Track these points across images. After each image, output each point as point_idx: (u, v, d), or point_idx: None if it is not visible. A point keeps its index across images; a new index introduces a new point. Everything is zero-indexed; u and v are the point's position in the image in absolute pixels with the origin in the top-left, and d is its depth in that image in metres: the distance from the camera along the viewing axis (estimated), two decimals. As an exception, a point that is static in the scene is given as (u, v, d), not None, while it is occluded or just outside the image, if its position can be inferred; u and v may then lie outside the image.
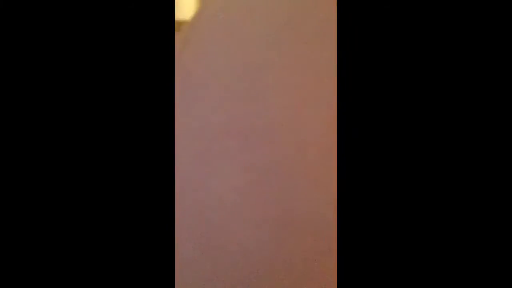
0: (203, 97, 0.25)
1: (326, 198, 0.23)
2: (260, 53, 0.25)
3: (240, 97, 0.24)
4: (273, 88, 0.24)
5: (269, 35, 0.25)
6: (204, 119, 0.25)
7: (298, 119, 0.23)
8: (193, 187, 0.24)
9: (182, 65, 0.27)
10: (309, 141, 0.23)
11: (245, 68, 0.25)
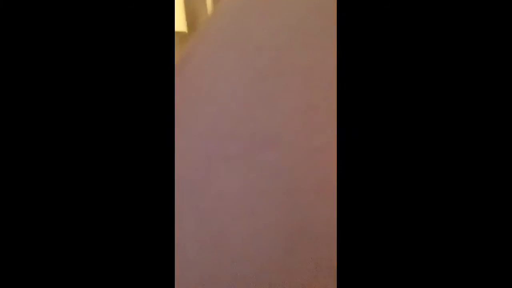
0: (209, 101, 0.25)
1: (330, 203, 0.23)
2: (266, 58, 0.25)
3: (247, 102, 0.24)
4: (280, 93, 0.24)
5: (277, 40, 0.25)
6: (209, 123, 0.25)
7: (305, 124, 0.23)
8: (197, 190, 0.24)
9: (189, 70, 0.27)
10: (315, 146, 0.23)
11: (252, 73, 0.25)
